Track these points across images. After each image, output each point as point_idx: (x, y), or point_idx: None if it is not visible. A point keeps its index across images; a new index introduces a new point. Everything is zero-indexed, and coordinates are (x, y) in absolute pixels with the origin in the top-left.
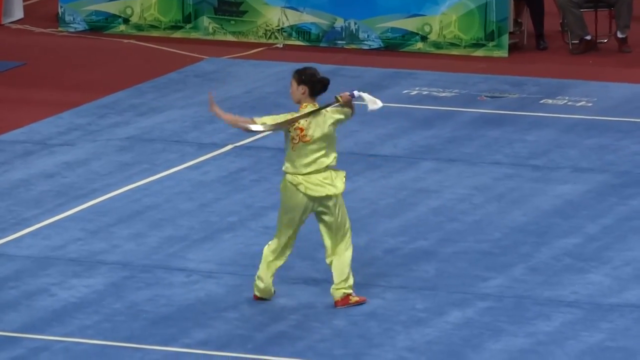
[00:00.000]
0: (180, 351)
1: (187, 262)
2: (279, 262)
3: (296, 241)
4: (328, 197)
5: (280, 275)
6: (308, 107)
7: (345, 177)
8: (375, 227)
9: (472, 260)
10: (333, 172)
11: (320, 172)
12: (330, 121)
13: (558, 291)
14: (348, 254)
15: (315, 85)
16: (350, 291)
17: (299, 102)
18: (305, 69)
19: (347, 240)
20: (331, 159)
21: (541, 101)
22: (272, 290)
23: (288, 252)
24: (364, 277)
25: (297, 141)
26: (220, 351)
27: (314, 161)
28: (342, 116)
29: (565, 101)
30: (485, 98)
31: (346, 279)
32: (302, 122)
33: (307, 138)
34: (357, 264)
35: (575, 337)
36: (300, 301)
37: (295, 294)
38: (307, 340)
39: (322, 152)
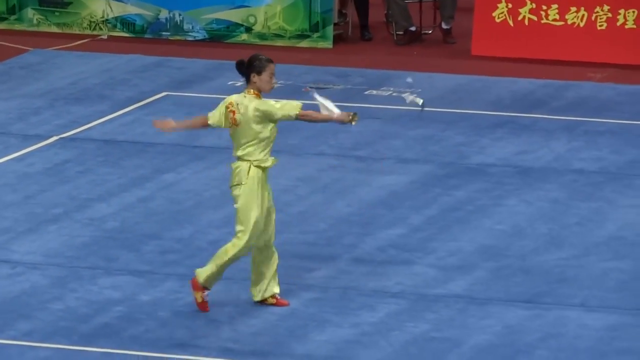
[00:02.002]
0: (5, 343)
1: (12, 253)
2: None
3: (122, 233)
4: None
5: (104, 267)
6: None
7: (241, 170)
8: (199, 218)
9: (297, 252)
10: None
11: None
12: (254, 111)
13: (383, 282)
14: (221, 250)
15: None
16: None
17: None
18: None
19: (234, 240)
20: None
21: (366, 92)
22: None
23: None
24: (188, 269)
25: (230, 124)
26: (45, 342)
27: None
28: (268, 109)
29: (390, 92)
30: (309, 89)
31: (205, 271)
32: (236, 105)
33: (237, 122)
34: (181, 256)
35: (400, 327)
36: (126, 293)
37: (120, 286)
38: (131, 331)
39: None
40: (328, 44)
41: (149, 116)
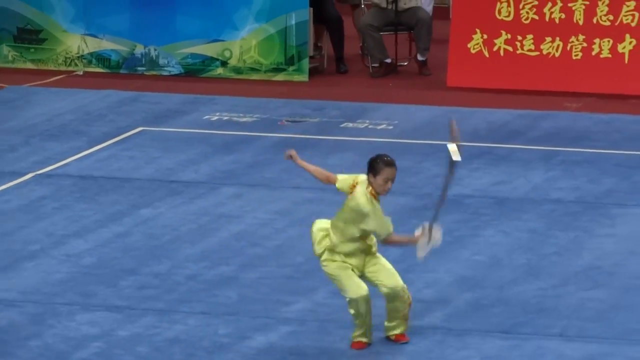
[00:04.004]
0: None
1: None
2: None
3: (99, 268)
4: None
5: (81, 303)
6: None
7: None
8: (176, 253)
9: (274, 285)
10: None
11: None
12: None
13: None
14: None
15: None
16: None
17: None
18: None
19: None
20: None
21: (342, 125)
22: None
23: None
24: (166, 304)
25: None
26: None
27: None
28: (363, 212)
29: (366, 124)
30: (286, 122)
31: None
32: (358, 186)
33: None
34: (159, 291)
35: None
36: (103, 328)
37: (98, 321)
38: None
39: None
40: (304, 77)
41: (125, 152)
